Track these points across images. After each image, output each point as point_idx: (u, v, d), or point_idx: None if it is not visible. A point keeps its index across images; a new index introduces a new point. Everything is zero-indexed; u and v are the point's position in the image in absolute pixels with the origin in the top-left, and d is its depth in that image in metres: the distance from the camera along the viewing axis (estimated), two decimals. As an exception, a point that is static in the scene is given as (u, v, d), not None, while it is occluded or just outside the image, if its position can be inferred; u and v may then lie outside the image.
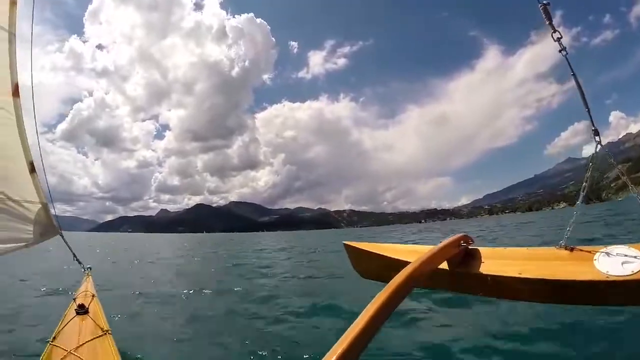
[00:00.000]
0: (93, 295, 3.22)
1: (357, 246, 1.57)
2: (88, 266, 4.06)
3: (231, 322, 5.56)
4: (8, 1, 2.69)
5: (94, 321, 2.71)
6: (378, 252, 1.46)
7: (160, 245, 36.97)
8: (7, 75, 2.85)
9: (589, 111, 1.21)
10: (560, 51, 1.29)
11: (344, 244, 1.63)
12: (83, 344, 2.27)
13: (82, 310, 2.90)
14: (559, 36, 1.28)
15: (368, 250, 1.52)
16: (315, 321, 5.29)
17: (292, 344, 4.28)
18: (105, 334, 2.47)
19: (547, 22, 1.28)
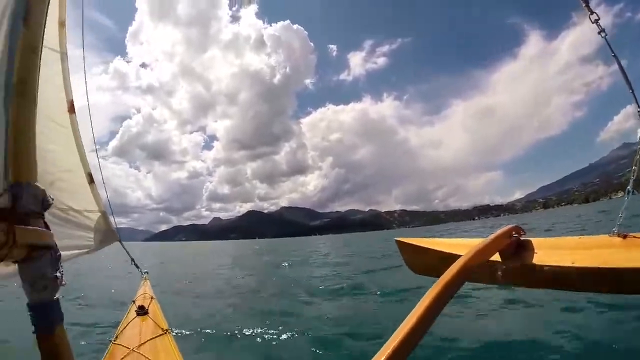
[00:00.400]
0: (152, 298, 3.36)
1: (408, 242, 1.60)
2: (145, 271, 4.24)
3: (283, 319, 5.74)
4: (57, 23, 2.88)
5: (154, 321, 2.81)
6: (429, 247, 1.48)
7: (220, 251, 38.84)
8: (63, 94, 3.06)
9: (633, 92, 1.18)
10: (599, 33, 1.27)
11: (396, 240, 1.66)
12: (144, 342, 2.34)
13: (142, 311, 3.02)
14: (597, 18, 1.26)
15: (419, 245, 1.54)
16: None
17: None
18: (165, 333, 2.54)
19: (584, 5, 1.28)
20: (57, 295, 1.00)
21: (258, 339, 4.84)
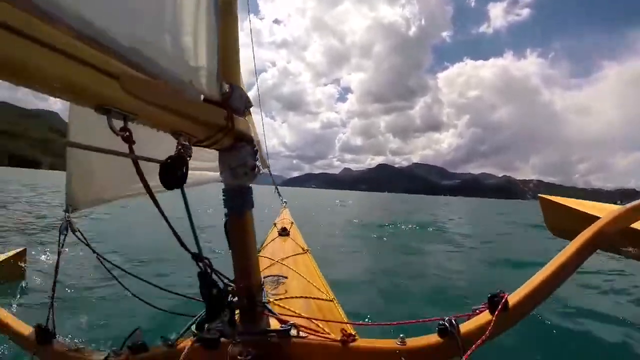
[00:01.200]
0: (292, 223, 3.75)
1: (552, 199, 1.59)
2: (285, 200, 5.01)
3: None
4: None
5: (294, 241, 3.11)
6: (571, 206, 1.44)
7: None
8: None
9: None
10: None
11: (539, 196, 1.67)
12: (287, 257, 2.57)
13: (284, 232, 3.40)
14: None
15: (562, 203, 1.50)
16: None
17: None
18: (305, 252, 2.78)
19: None
20: (251, 184, 1.18)
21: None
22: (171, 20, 0.72)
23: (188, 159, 0.78)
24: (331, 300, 1.79)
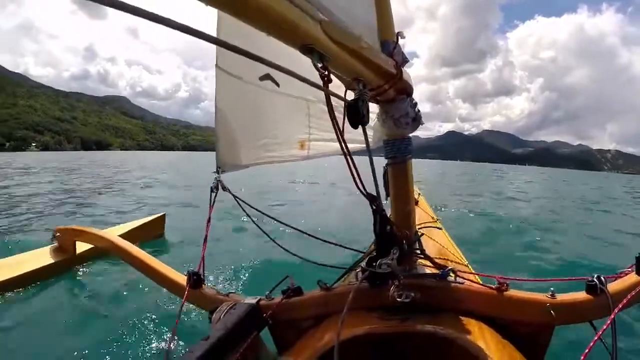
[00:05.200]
0: (419, 193, 3.65)
1: None
2: None
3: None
4: None
5: (424, 211, 3.11)
6: None
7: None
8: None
9: None
10: None
11: None
12: (420, 224, 2.49)
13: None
14: None
15: None
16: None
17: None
18: (436, 221, 2.79)
19: None
20: (412, 134, 1.25)
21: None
22: None
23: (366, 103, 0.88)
24: (466, 265, 1.82)
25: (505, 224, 6.87)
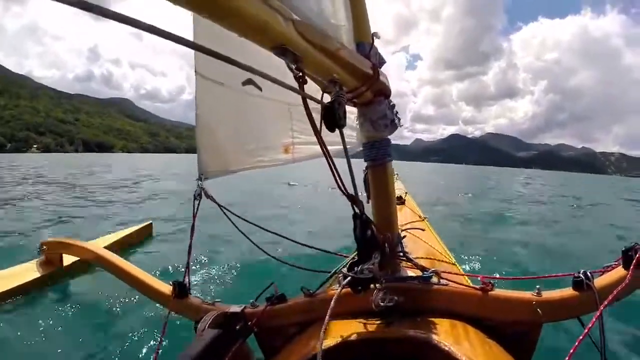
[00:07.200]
0: (406, 193, 3.72)
1: None
2: (396, 173, 5.00)
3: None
4: None
5: (412, 210, 3.13)
6: None
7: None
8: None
9: None
10: None
11: None
12: (406, 223, 2.55)
13: (399, 201, 3.36)
14: None
15: None
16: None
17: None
18: (423, 220, 2.81)
19: None
20: (390, 136, 1.24)
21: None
22: None
23: (343, 105, 0.85)
24: (454, 264, 1.79)
25: (499, 223, 7.02)
